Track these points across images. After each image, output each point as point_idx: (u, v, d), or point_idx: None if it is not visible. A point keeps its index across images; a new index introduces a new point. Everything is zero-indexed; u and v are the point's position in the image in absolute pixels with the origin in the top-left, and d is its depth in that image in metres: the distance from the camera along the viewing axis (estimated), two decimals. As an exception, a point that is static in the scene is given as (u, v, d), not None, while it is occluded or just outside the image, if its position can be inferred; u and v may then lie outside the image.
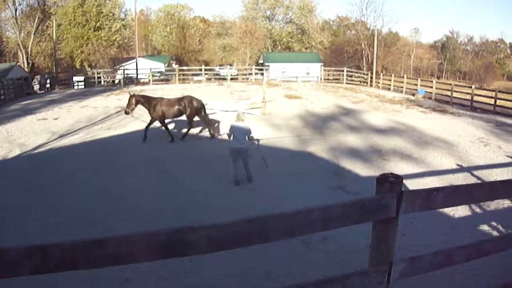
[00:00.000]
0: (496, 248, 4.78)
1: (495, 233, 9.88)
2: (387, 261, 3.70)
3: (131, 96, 19.83)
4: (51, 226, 10.04)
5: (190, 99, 20.22)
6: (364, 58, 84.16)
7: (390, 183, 3.57)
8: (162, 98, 20.61)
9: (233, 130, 14.06)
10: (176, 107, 19.84)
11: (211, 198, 12.45)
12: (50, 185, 13.84)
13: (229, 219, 3.02)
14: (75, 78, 55.60)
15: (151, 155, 17.22)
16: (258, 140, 14.92)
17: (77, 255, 2.69)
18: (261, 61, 72.39)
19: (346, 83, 53.21)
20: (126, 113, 19.91)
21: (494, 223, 10.28)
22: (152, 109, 19.60)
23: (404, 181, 3.70)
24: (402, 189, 3.64)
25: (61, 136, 21.57)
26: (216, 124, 21.48)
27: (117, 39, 78.73)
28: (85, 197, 12.44)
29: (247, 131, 14.20)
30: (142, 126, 22.03)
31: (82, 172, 15.14)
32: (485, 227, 10.11)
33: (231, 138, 14.12)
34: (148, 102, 19.76)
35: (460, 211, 11.16)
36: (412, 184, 13.49)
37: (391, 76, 49.73)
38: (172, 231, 2.89)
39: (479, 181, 14.19)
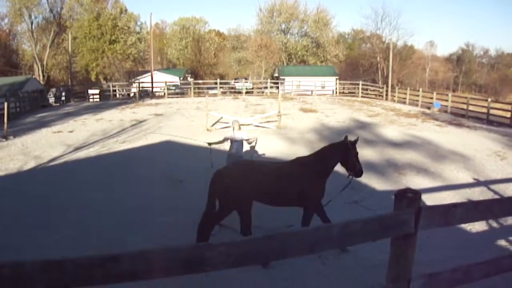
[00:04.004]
0: (516, 264, 4.72)
1: (513, 248, 9.78)
2: (406, 277, 3.66)
3: None
4: (66, 239, 10.05)
5: None
6: (379, 72, 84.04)
7: (409, 199, 3.53)
8: None
9: (229, 139, 14.61)
10: None
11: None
12: (65, 198, 13.87)
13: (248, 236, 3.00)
14: (90, 91, 56.11)
15: (166, 169, 17.21)
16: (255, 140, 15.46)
17: (93, 270, 2.66)
18: (276, 75, 72.60)
19: (362, 96, 53.14)
20: None
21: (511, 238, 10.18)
22: None
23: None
24: (420, 204, 3.61)
25: (76, 149, 21.68)
26: None
27: (132, 52, 79.34)
28: (100, 210, 12.46)
29: (242, 138, 14.68)
30: (158, 139, 22.05)
31: (97, 185, 15.18)
32: (502, 242, 9.99)
33: (228, 146, 14.68)
34: None
35: (477, 226, 11.04)
36: (428, 199, 13.40)
37: (406, 89, 49.44)
38: (190, 248, 2.88)
39: (496, 196, 14.07)
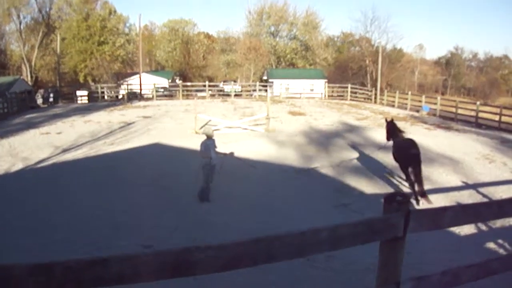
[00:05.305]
0: (504, 266, 4.71)
1: (501, 251, 9.78)
2: (395, 281, 3.64)
3: None
4: (54, 243, 9.97)
5: None
6: (368, 75, 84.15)
7: (398, 202, 3.51)
8: None
9: (206, 147, 14.52)
10: None
11: (214, 217, 12.38)
12: (53, 201, 13.79)
13: (236, 239, 2.97)
14: (78, 93, 55.86)
15: (154, 172, 17.12)
16: (225, 154, 15.67)
17: (82, 273, 2.63)
18: (265, 77, 72.54)
19: (350, 99, 53.13)
20: None
21: (500, 241, 10.18)
22: None
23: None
24: (410, 208, 3.59)
25: (64, 150, 21.57)
26: None
27: (121, 54, 79.30)
28: (87, 214, 12.38)
29: (214, 146, 14.81)
30: (146, 141, 21.99)
31: (85, 188, 15.09)
32: (491, 245, 10.00)
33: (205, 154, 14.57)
34: None
35: (466, 229, 11.05)
36: (417, 202, 13.43)
37: (395, 92, 49.41)
38: (179, 251, 2.85)
39: (484, 199, 14.10)
